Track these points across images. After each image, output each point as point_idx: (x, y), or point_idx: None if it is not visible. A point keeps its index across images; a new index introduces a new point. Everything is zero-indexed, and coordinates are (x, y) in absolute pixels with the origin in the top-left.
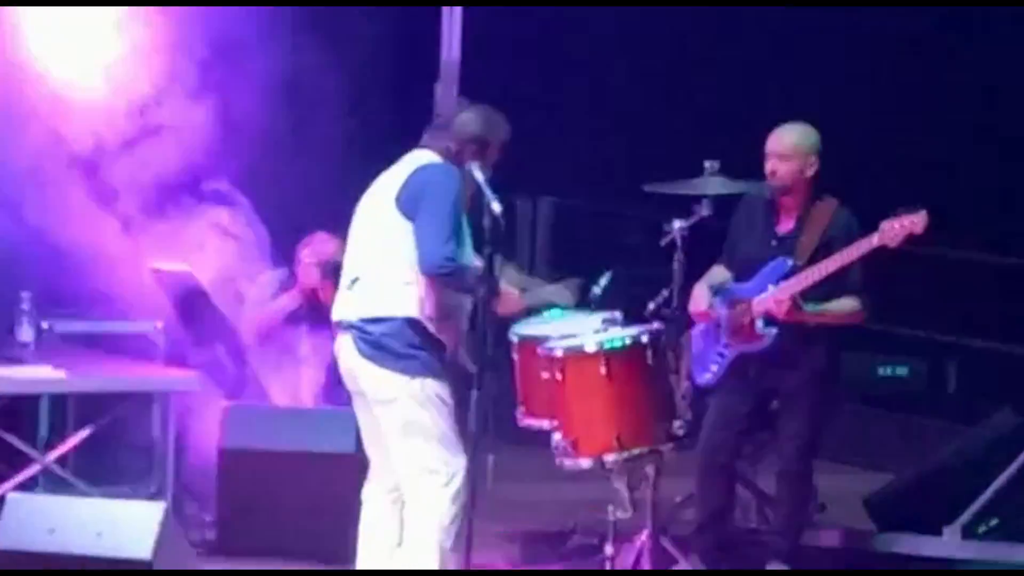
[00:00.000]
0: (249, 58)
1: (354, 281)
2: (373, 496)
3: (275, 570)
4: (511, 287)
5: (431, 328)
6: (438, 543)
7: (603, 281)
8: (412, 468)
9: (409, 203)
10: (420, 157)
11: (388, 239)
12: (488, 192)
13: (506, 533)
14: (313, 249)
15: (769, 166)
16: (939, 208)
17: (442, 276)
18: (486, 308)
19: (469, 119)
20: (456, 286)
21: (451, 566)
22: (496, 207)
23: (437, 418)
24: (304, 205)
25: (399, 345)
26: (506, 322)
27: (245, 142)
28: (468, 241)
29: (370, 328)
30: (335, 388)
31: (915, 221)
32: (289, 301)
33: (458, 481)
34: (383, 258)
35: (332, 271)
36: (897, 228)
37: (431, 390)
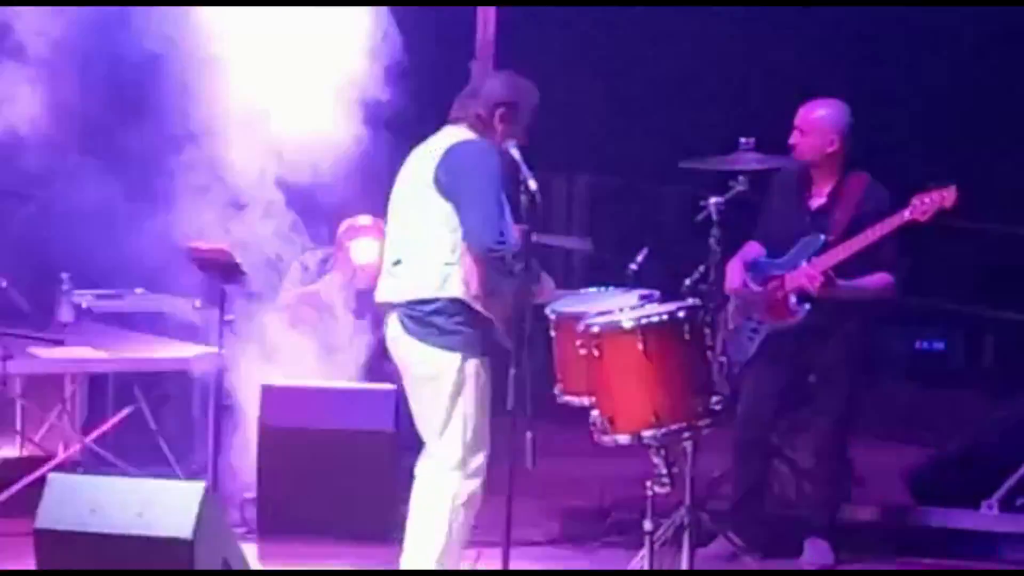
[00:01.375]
0: None
1: (396, 263)
2: (424, 467)
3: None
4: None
5: (477, 306)
6: (446, 520)
7: (640, 258)
8: (443, 440)
9: (447, 182)
10: (454, 134)
11: (428, 219)
12: (525, 169)
13: (545, 510)
14: (355, 231)
15: (791, 138)
16: (975, 182)
17: (494, 257)
18: (524, 286)
19: (497, 84)
20: (505, 267)
21: (453, 551)
22: (533, 185)
23: (471, 398)
24: (345, 188)
25: (445, 322)
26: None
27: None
28: (508, 217)
29: (417, 308)
30: (376, 367)
31: (945, 196)
32: (329, 283)
33: (478, 462)
34: (424, 239)
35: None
36: (928, 203)
37: (471, 368)
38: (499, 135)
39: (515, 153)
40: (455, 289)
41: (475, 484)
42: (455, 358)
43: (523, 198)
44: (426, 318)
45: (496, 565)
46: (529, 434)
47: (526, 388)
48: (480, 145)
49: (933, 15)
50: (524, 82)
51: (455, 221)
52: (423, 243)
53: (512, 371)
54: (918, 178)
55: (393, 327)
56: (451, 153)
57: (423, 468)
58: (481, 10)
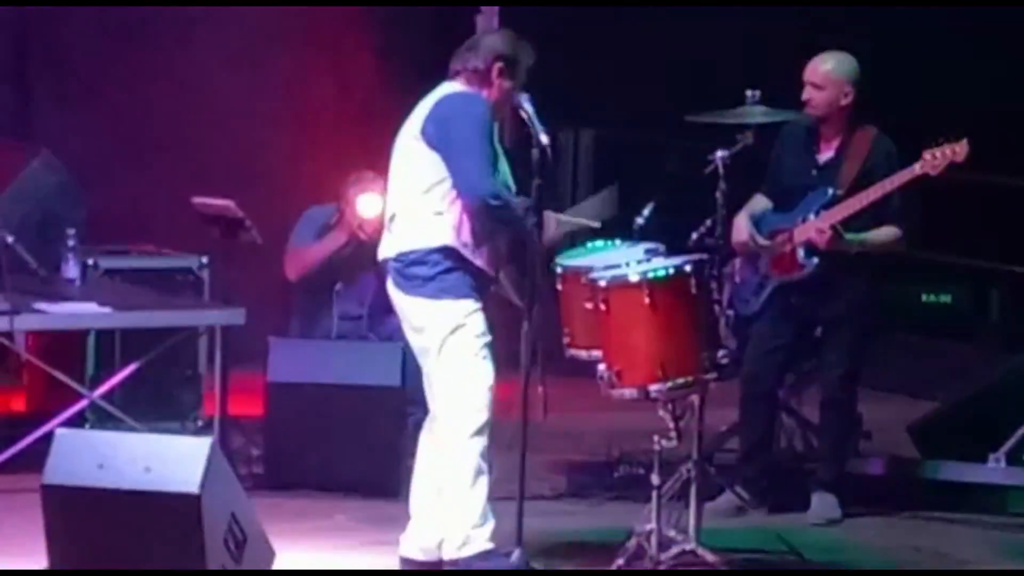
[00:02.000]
0: None
1: (391, 218)
2: (425, 433)
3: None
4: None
5: (467, 254)
6: (466, 455)
7: (646, 212)
8: (441, 390)
9: (434, 134)
10: (446, 88)
11: (417, 172)
12: (536, 124)
13: (552, 464)
14: (361, 187)
15: (804, 94)
16: (983, 135)
17: (491, 210)
18: (535, 241)
19: (496, 38)
20: (504, 220)
21: (483, 480)
22: (544, 139)
23: (461, 340)
24: (349, 142)
25: (426, 271)
26: (550, 254)
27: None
28: (503, 167)
29: (402, 259)
30: (379, 323)
31: (956, 150)
32: (335, 239)
33: (480, 400)
34: (414, 192)
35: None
36: (939, 157)
37: (456, 313)
38: (495, 89)
39: (527, 106)
40: (445, 237)
41: (485, 438)
42: (440, 305)
43: (534, 151)
44: (407, 269)
45: (510, 520)
46: (540, 387)
47: (537, 342)
48: (467, 95)
49: None
50: (523, 42)
51: (443, 171)
52: (413, 195)
53: (524, 325)
54: (923, 130)
55: (389, 282)
56: (439, 104)
57: (441, 439)
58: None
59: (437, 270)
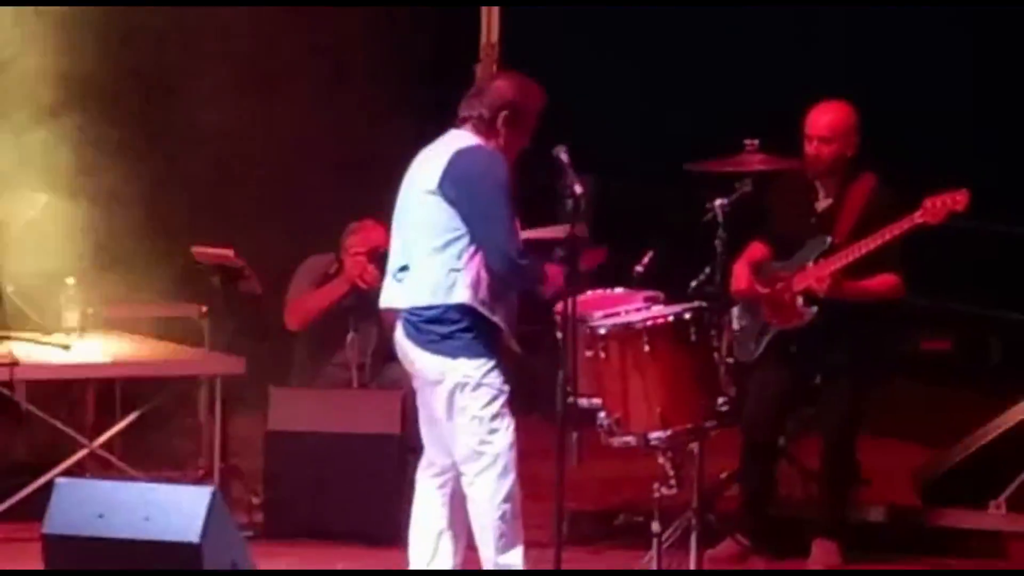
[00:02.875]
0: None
1: (402, 268)
2: (422, 479)
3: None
4: None
5: (484, 311)
6: (496, 521)
7: (645, 260)
8: (460, 449)
9: (453, 192)
10: (458, 138)
11: (433, 226)
12: (571, 173)
13: (552, 511)
14: (361, 237)
15: (812, 149)
16: (982, 183)
17: (518, 270)
18: (571, 295)
19: (503, 85)
20: (527, 279)
21: (518, 542)
22: (579, 189)
23: (480, 400)
24: (348, 191)
25: (444, 328)
26: (551, 301)
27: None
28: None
29: (416, 313)
30: (380, 372)
31: (957, 199)
32: (335, 289)
33: (503, 461)
34: (429, 245)
35: (380, 258)
36: (939, 205)
37: (475, 372)
38: (502, 138)
39: (563, 156)
40: (461, 295)
41: (513, 478)
42: (456, 364)
43: (568, 201)
44: (423, 324)
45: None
46: (575, 433)
47: (567, 389)
48: (485, 153)
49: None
50: (532, 84)
51: (461, 227)
52: (428, 250)
53: (559, 374)
54: (922, 177)
55: (399, 332)
56: (457, 161)
57: (472, 506)
58: (484, 13)
59: (454, 328)
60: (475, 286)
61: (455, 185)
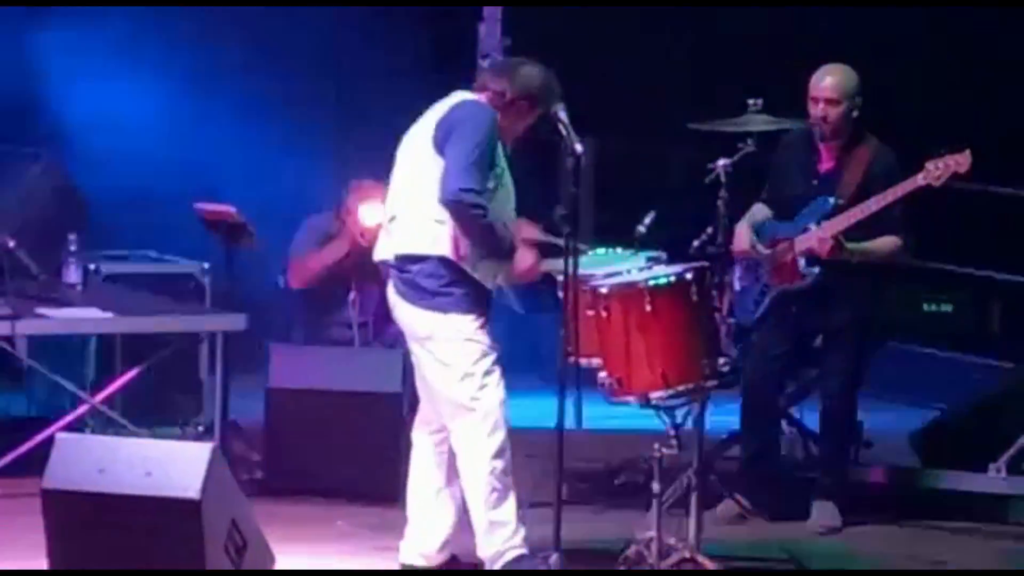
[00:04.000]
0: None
1: (391, 219)
2: (419, 437)
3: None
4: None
5: (466, 267)
6: (486, 477)
7: (647, 220)
8: (448, 405)
9: (441, 138)
10: (459, 97)
11: (423, 176)
12: (572, 133)
13: (550, 472)
14: (362, 196)
15: (819, 111)
16: (985, 145)
17: (455, 207)
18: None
19: (534, 74)
20: (474, 230)
21: (510, 497)
22: (579, 148)
23: (471, 355)
24: (349, 148)
25: (432, 284)
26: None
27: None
28: (507, 191)
29: (406, 267)
30: (382, 330)
31: (960, 161)
32: (337, 248)
33: (493, 417)
34: (417, 196)
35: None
36: (942, 168)
37: (465, 327)
38: (513, 117)
39: (563, 116)
40: (443, 248)
41: (506, 456)
42: (449, 318)
43: (568, 160)
44: (414, 279)
45: (541, 528)
46: (576, 393)
47: (567, 348)
48: (480, 106)
49: None
50: (555, 85)
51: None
52: (416, 199)
53: (561, 333)
54: (923, 138)
55: (390, 289)
56: (452, 111)
57: (461, 461)
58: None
59: (442, 283)
60: (455, 240)
61: (442, 130)
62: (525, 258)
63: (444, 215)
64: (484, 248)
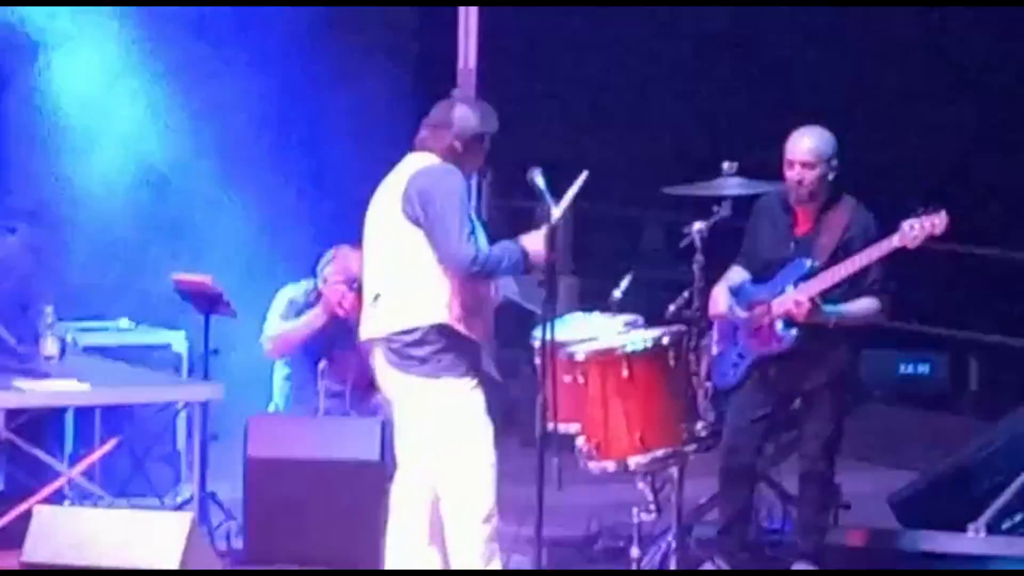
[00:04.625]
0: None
1: (376, 297)
2: (398, 501)
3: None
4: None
5: (460, 328)
6: (477, 540)
7: (624, 284)
8: (440, 470)
9: (411, 207)
10: (417, 160)
11: (401, 249)
12: (548, 198)
13: (529, 538)
14: (338, 265)
15: (794, 175)
16: (959, 207)
17: (475, 274)
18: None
19: (468, 115)
20: (496, 274)
21: (496, 561)
22: (556, 212)
23: (466, 421)
24: (327, 215)
25: (424, 351)
26: (527, 328)
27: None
28: (480, 236)
29: (397, 339)
30: (360, 400)
31: (935, 223)
32: (315, 318)
33: (485, 481)
34: (400, 270)
35: (358, 285)
36: (917, 229)
37: (459, 391)
38: (467, 163)
39: (539, 180)
40: (438, 315)
41: (495, 521)
42: (441, 384)
43: (546, 225)
44: (404, 349)
45: None
46: (555, 459)
47: (547, 414)
48: (440, 170)
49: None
50: (490, 111)
51: (426, 246)
52: (399, 273)
53: (539, 398)
54: (900, 200)
55: (378, 360)
56: (413, 181)
57: (452, 525)
58: (462, 41)
59: (434, 348)
60: (449, 303)
61: (412, 203)
62: (536, 245)
63: (431, 283)
64: (509, 275)
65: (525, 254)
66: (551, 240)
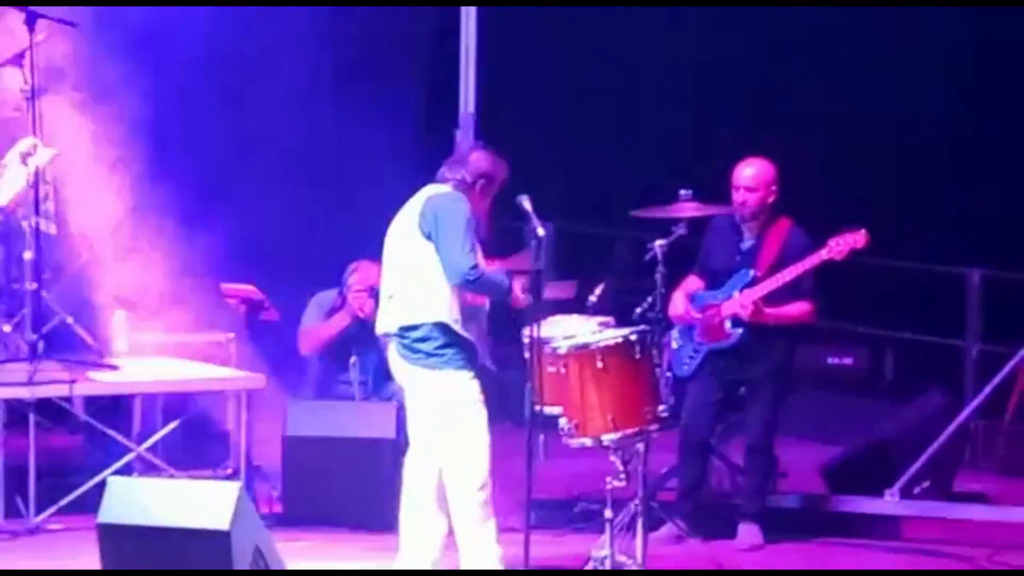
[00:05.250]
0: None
1: (390, 297)
2: (409, 472)
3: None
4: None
5: (457, 328)
6: (473, 505)
7: (597, 291)
8: (443, 447)
9: (425, 223)
10: (432, 189)
11: (414, 258)
12: (534, 219)
13: (520, 502)
14: (360, 276)
15: (739, 197)
16: (880, 224)
17: (469, 283)
18: (536, 318)
19: (481, 157)
20: (484, 290)
21: (491, 522)
22: (541, 231)
23: (462, 406)
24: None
25: (430, 346)
26: (518, 326)
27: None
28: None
29: (406, 334)
30: (380, 388)
31: (857, 239)
32: (340, 320)
33: (480, 456)
34: (412, 275)
35: (376, 293)
36: (842, 244)
37: (458, 382)
38: (476, 198)
39: (527, 204)
40: (439, 314)
41: (489, 489)
42: (442, 375)
43: (532, 243)
44: (413, 344)
45: (513, 548)
46: (542, 436)
47: (534, 399)
48: (453, 195)
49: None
50: (502, 161)
51: (435, 258)
52: (411, 278)
53: (528, 385)
54: (828, 219)
55: (392, 353)
56: (430, 202)
57: (452, 495)
58: (463, 89)
59: (437, 344)
60: (449, 306)
61: (427, 219)
62: (519, 291)
63: (436, 287)
64: (493, 297)
65: (510, 289)
66: (537, 254)
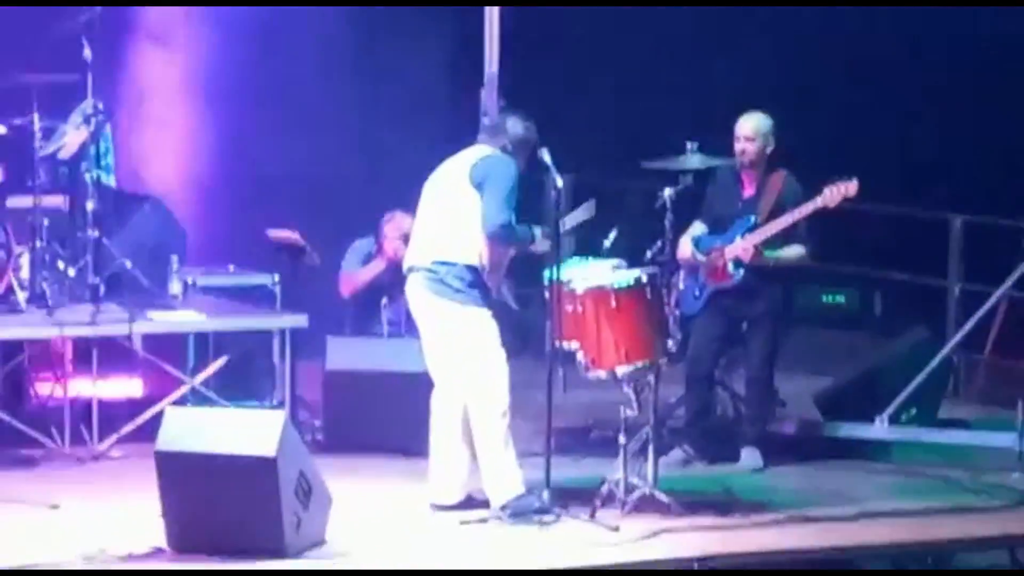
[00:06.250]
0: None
1: (426, 235)
2: (436, 404)
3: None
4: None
5: (483, 274)
6: (494, 432)
7: (611, 236)
8: (465, 379)
9: (478, 175)
10: (484, 150)
11: (459, 205)
12: (554, 171)
13: (541, 430)
14: (395, 224)
15: (739, 147)
16: (870, 174)
17: (499, 234)
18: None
19: (520, 127)
20: (511, 243)
21: (511, 448)
22: (560, 182)
23: (483, 340)
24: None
25: (458, 283)
26: (539, 269)
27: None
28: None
29: (438, 268)
30: (414, 328)
31: (849, 187)
32: (376, 266)
33: (500, 387)
34: (456, 218)
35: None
36: (835, 192)
37: (480, 318)
38: (516, 160)
39: (547, 157)
40: (472, 258)
41: (509, 415)
42: (469, 310)
43: (552, 192)
44: (443, 278)
45: (534, 471)
46: (561, 370)
47: (554, 335)
48: (506, 159)
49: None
50: (531, 123)
51: (478, 209)
52: (455, 221)
53: (548, 324)
54: (827, 170)
55: (412, 285)
56: (485, 160)
57: (476, 421)
58: (487, 49)
59: (466, 282)
60: (481, 254)
61: (479, 171)
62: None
63: (475, 234)
64: (518, 249)
65: (534, 239)
66: (556, 204)
